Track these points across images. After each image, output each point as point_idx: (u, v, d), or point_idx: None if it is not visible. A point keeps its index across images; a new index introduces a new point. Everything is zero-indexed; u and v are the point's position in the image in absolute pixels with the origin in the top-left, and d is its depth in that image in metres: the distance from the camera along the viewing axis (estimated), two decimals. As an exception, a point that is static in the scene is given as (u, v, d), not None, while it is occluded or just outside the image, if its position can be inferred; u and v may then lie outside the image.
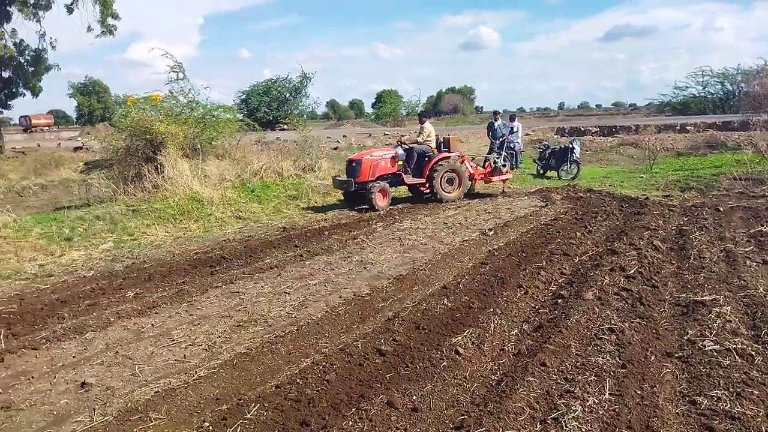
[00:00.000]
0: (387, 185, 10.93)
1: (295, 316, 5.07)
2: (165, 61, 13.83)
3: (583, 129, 27.25)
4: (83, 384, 3.83)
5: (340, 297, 5.59)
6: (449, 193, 11.39)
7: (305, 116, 41.81)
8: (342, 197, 11.68)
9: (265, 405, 3.44)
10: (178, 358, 4.28)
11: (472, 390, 3.62)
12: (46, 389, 3.79)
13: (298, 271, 6.57)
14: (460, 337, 4.37)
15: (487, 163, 12.98)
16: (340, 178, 11.17)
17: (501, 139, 16.01)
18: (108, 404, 3.58)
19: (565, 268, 6.19)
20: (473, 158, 13.41)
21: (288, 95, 45.97)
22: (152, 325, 4.97)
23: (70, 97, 62.67)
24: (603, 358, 3.94)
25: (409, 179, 11.38)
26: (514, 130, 16.49)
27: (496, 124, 16.75)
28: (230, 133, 14.37)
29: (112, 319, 5.11)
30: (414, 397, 3.52)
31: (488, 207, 10.56)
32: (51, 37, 26.26)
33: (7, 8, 23.55)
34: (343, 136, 32.51)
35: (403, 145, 11.61)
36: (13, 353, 4.36)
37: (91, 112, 61.28)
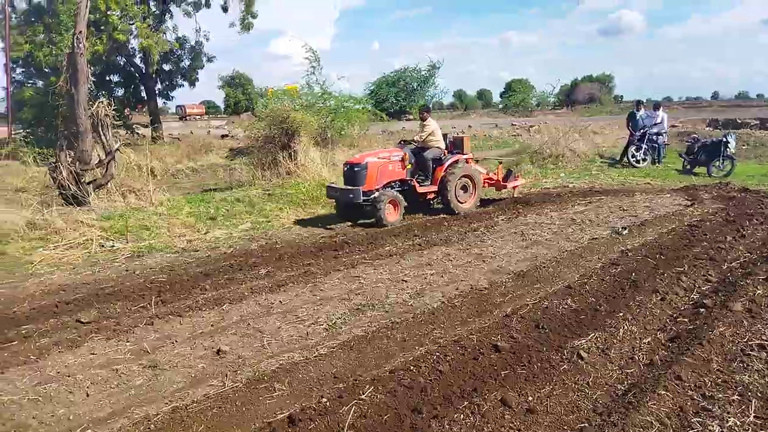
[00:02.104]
0: (398, 195, 9.04)
1: (411, 304, 5.13)
2: (303, 52, 14.61)
3: (740, 121, 24.31)
4: (218, 351, 4.20)
5: (456, 289, 5.54)
6: (464, 202, 9.65)
7: (431, 106, 41.88)
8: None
9: (379, 388, 3.51)
10: (302, 334, 4.52)
11: (595, 397, 3.40)
12: (186, 353, 4.22)
13: (416, 260, 6.62)
14: (583, 341, 4.12)
15: (499, 167, 10.91)
16: (336, 186, 9.34)
17: (642, 131, 14.80)
18: (239, 371, 3.89)
19: (711, 275, 5.56)
20: (477, 161, 11.40)
21: (416, 85, 46.39)
22: (280, 301, 5.30)
23: (219, 89, 68.74)
24: (749, 376, 3.49)
25: (423, 187, 9.51)
26: (658, 120, 15.15)
27: (638, 114, 15.50)
28: (361, 123, 14.84)
29: (246, 294, 5.53)
30: (530, 398, 3.38)
31: (623, 204, 9.81)
32: (206, 31, 28.97)
33: (170, 6, 26.37)
34: (468, 126, 32.10)
35: (409, 145, 9.84)
36: (161, 318, 4.90)
37: (236, 103, 66.62)
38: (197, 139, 27.39)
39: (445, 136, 9.94)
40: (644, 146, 14.78)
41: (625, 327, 4.38)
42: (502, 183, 10.51)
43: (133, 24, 23.51)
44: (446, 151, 9.78)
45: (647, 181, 12.47)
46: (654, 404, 3.20)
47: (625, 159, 15.06)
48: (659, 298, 4.99)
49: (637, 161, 14.71)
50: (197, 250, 7.57)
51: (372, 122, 17.59)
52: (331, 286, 5.73)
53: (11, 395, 3.56)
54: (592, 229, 7.90)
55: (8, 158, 14.62)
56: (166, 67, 28.82)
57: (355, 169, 8.91)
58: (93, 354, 4.20)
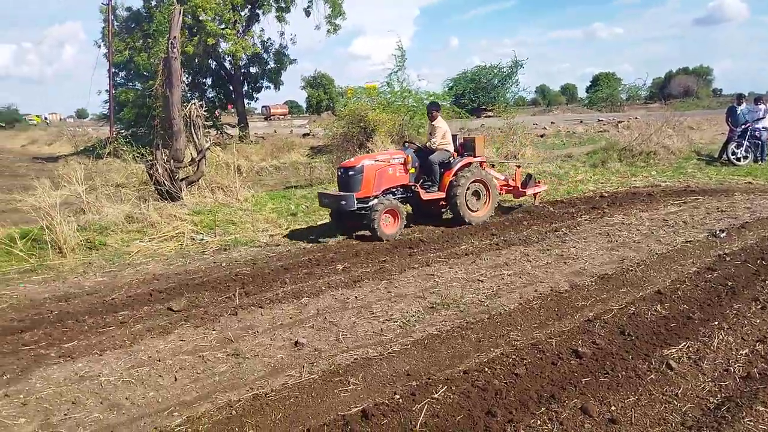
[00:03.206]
0: (398, 204, 8.05)
1: (487, 305, 5.03)
2: (384, 51, 14.83)
3: None
4: (296, 343, 4.33)
5: (535, 290, 5.37)
6: (476, 211, 8.62)
7: (510, 102, 40.87)
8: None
9: (453, 388, 3.48)
10: (376, 330, 4.56)
11: (684, 410, 3.17)
12: (266, 343, 4.38)
13: (493, 259, 6.49)
14: (673, 350, 3.86)
15: (516, 172, 9.77)
16: (328, 193, 8.45)
17: (743, 127, 13.65)
18: (315, 364, 3.99)
19: (824, 284, 5.03)
20: (493, 165, 10.37)
21: (497, 82, 45.48)
22: (356, 297, 5.38)
23: (301, 89, 70.86)
24: None
25: (429, 193, 8.51)
26: (761, 115, 13.91)
27: (738, 109, 14.31)
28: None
29: (323, 288, 5.67)
30: (612, 408, 3.21)
31: (722, 204, 9.08)
32: (292, 34, 30.02)
33: (257, 11, 27.54)
34: (551, 122, 31.07)
35: (412, 145, 8.92)
36: (244, 309, 5.13)
37: (318, 103, 68.37)
38: (280, 138, 28.42)
39: (454, 137, 9.03)
40: (746, 143, 13.62)
41: (721, 336, 4.06)
42: (520, 189, 9.51)
43: (223, 29, 24.77)
44: (455, 154, 8.81)
45: (748, 181, 11.48)
46: (751, 421, 2.95)
47: (725, 156, 13.95)
48: (759, 306, 4.58)
49: (738, 159, 13.58)
50: (278, 245, 7.84)
51: (449, 119, 17.43)
52: (405, 284, 5.74)
53: (108, 376, 3.86)
54: (686, 232, 7.38)
55: (110, 156, 15.84)
56: (253, 69, 30.12)
57: (350, 172, 7.86)
58: (182, 341, 4.47)
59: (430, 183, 8.60)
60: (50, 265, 6.97)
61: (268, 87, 31.60)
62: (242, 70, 29.17)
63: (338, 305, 5.19)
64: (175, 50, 9.55)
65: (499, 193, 9.25)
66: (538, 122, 29.56)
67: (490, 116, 32.43)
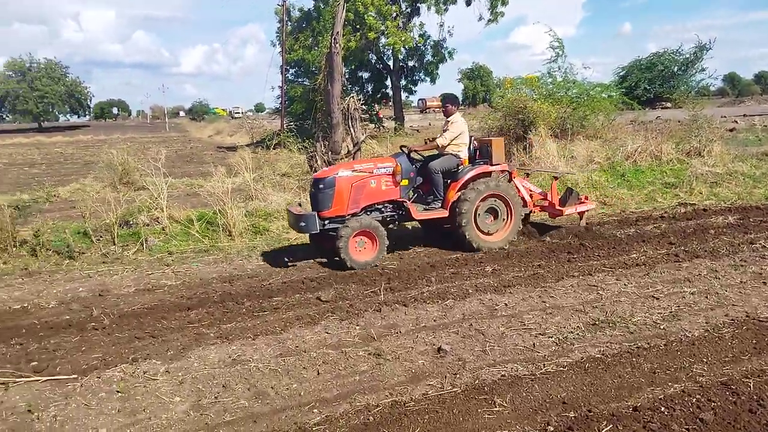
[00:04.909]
0: (376, 224, 6.49)
1: (663, 328, 4.30)
2: (545, 40, 13.93)
3: None
4: (439, 349, 4.08)
5: (726, 315, 4.48)
6: (491, 234, 6.95)
7: (692, 92, 36.19)
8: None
9: (620, 427, 2.96)
10: (527, 345, 4.14)
11: None
12: (408, 345, 4.19)
13: (671, 273, 5.60)
14: None
15: (553, 185, 7.75)
16: (295, 211, 6.63)
17: None
18: (458, 375, 3.71)
19: None
20: (528, 174, 8.55)
21: (676, 69, 40.64)
22: (505, 304, 4.98)
23: (458, 81, 70.59)
24: None
25: (420, 211, 6.83)
26: None
27: None
28: (607, 113, 13.50)
29: (470, 291, 5.35)
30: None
31: None
32: (450, 27, 29.85)
33: (418, 4, 27.76)
34: (743, 115, 27.09)
35: (410, 153, 7.01)
36: (388, 305, 5.01)
37: (474, 95, 67.55)
38: (435, 131, 28.45)
39: (470, 138, 7.32)
40: None
41: None
42: (557, 207, 7.59)
43: (384, 23, 25.38)
44: (465, 161, 7.11)
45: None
46: None
47: None
48: None
49: None
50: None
51: (621, 111, 15.85)
52: (563, 294, 5.18)
53: (257, 362, 3.97)
54: None
55: (279, 147, 17.10)
56: (410, 63, 30.50)
57: (320, 185, 6.44)
58: (327, 333, 4.48)
59: (433, 197, 6.96)
60: (220, 247, 7.59)
61: (424, 80, 31.83)
62: (400, 64, 29.66)
63: (486, 311, 4.84)
64: (337, 45, 9.85)
65: (531, 212, 7.58)
66: (726, 114, 25.78)
67: (667, 107, 29.14)
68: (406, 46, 26.71)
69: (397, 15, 26.48)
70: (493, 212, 6.95)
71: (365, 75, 31.14)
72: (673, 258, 6.10)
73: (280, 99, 28.33)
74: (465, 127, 7.13)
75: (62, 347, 4.37)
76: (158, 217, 8.15)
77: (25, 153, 28.82)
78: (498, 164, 7.04)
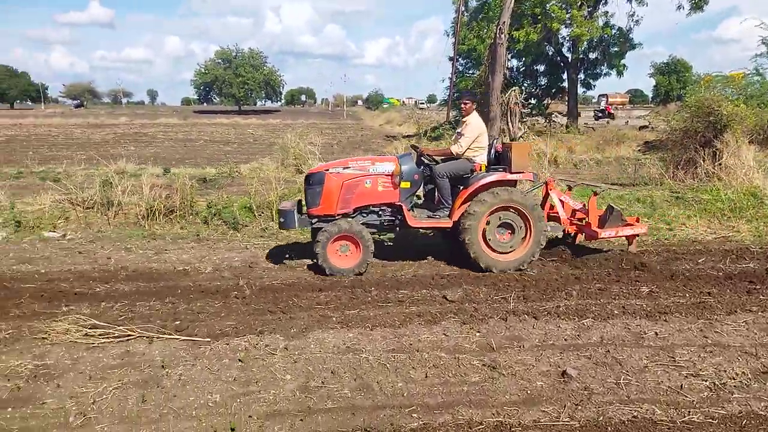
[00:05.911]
0: (359, 228, 5.86)
1: None
2: (757, 33, 11.86)
3: None
4: (564, 373, 3.66)
5: None
6: (504, 252, 5.98)
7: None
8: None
9: None
10: (673, 385, 3.52)
11: None
12: (529, 362, 3.83)
13: None
14: None
15: (591, 201, 6.48)
16: (285, 209, 6.10)
17: None
18: (579, 406, 3.28)
19: None
20: (570, 188, 7.34)
21: None
22: (656, 333, 4.31)
23: (649, 77, 64.00)
24: None
25: (419, 218, 6.08)
26: None
27: None
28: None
29: (615, 312, 4.74)
30: None
31: None
32: (639, 16, 27.09)
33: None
34: None
35: (421, 155, 6.18)
36: (516, 315, 4.65)
37: (667, 92, 60.74)
38: (612, 129, 26.21)
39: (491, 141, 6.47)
40: None
41: None
42: (593, 228, 6.36)
43: (569, 13, 23.90)
44: (483, 165, 6.20)
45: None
46: None
47: None
48: None
49: None
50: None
51: None
52: (732, 330, 4.33)
53: (368, 354, 3.94)
54: None
55: (439, 139, 17.11)
56: (592, 55, 28.40)
57: (310, 181, 6.07)
58: (445, 335, 4.30)
59: (441, 205, 6.24)
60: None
61: (608, 74, 29.39)
62: (579, 56, 27.74)
63: (630, 338, 4.24)
64: (502, 36, 9.44)
65: (566, 232, 6.67)
66: None
67: None
68: (594, 36, 24.90)
69: (582, 3, 24.75)
70: (508, 227, 6.09)
71: (540, 68, 29.76)
72: None
73: (449, 91, 28.38)
74: (483, 128, 6.35)
75: (205, 311, 4.81)
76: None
77: (223, 132, 32.97)
78: (519, 172, 6.09)
